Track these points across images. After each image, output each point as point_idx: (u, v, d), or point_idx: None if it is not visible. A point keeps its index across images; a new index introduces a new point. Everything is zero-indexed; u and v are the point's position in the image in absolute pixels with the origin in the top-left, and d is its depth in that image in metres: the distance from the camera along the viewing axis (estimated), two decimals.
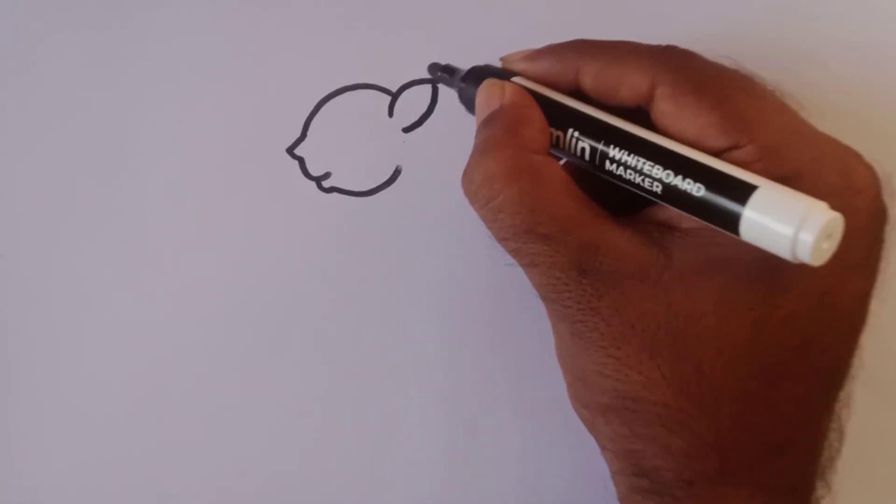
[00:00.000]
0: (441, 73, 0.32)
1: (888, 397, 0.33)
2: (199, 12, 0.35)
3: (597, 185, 0.26)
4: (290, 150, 0.35)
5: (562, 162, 0.28)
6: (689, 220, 0.24)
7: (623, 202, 0.26)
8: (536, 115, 0.26)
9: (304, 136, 0.35)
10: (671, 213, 0.25)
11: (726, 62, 0.25)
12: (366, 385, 0.34)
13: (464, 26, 0.35)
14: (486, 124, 0.27)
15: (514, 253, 0.26)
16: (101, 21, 0.36)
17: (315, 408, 0.34)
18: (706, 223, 0.23)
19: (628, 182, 0.25)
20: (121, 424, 0.34)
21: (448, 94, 0.35)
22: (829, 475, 0.26)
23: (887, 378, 0.33)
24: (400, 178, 0.35)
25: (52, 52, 0.36)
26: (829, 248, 0.21)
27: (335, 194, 0.35)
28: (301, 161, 0.35)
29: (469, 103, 0.30)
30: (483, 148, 0.26)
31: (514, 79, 0.28)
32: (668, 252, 0.24)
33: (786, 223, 0.21)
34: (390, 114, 0.35)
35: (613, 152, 0.25)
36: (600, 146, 0.25)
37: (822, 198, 0.21)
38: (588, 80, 0.26)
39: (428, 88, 0.35)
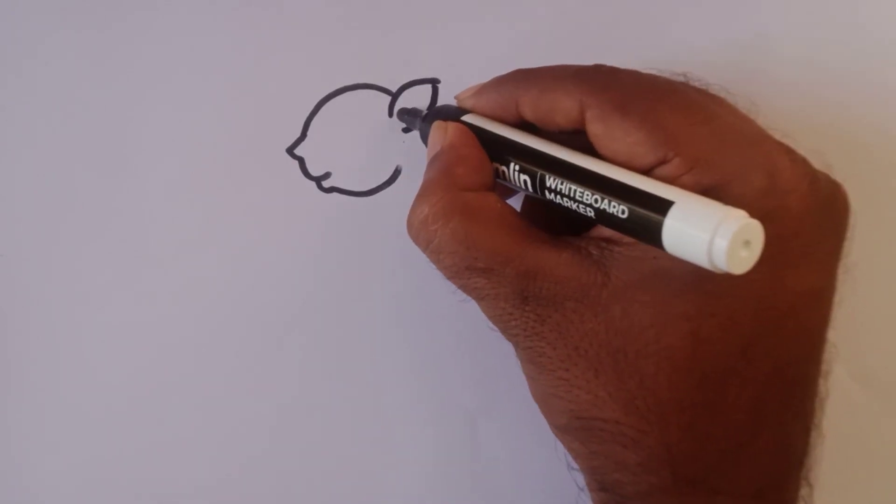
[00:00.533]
0: (406, 117, 0.34)
1: (889, 397, 0.33)
2: (198, 12, 0.35)
3: (550, 209, 0.27)
4: (290, 150, 0.35)
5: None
6: (626, 238, 0.25)
7: (576, 222, 0.27)
8: (473, 152, 0.28)
9: (304, 136, 0.35)
10: (611, 231, 0.25)
11: (676, 77, 0.26)
12: (365, 385, 0.34)
13: (464, 26, 0.35)
14: (427, 168, 0.28)
15: (463, 289, 0.27)
16: (100, 21, 0.36)
17: (314, 407, 0.34)
18: (635, 240, 0.24)
19: (567, 210, 0.26)
20: (121, 424, 0.34)
21: (448, 94, 0.35)
22: (809, 474, 0.26)
23: (887, 378, 0.33)
24: (400, 178, 0.35)
25: (52, 51, 0.36)
26: (749, 255, 0.21)
27: (335, 194, 0.35)
28: (301, 161, 0.35)
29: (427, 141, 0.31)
30: (420, 193, 0.27)
31: (467, 116, 0.29)
32: (606, 270, 0.24)
33: (701, 233, 0.21)
34: (390, 114, 0.35)
35: (550, 181, 0.26)
36: (538, 177, 0.26)
37: (750, 202, 0.22)
38: (527, 111, 0.27)
39: (428, 88, 0.35)
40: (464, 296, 0.27)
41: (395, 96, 0.35)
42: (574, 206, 0.25)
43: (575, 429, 0.25)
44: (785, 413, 0.25)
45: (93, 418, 0.34)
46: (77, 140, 0.36)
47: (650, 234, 0.23)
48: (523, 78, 0.28)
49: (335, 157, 0.35)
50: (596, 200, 0.24)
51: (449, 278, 0.27)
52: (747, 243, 0.21)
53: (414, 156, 0.35)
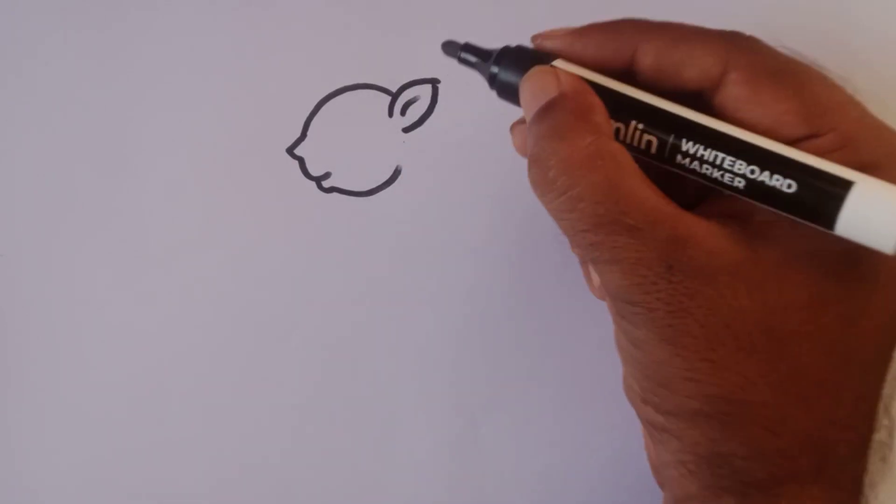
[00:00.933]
0: (463, 54, 0.28)
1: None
2: (199, 12, 0.35)
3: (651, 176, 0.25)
4: (290, 150, 0.35)
5: None
6: (763, 213, 0.23)
7: (678, 193, 0.25)
8: (600, 103, 0.24)
9: (304, 136, 0.35)
10: (741, 205, 0.24)
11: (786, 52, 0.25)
12: (366, 385, 0.34)
13: (464, 26, 0.35)
14: (546, 113, 0.24)
15: (593, 247, 0.23)
16: (100, 21, 0.36)
17: (314, 407, 0.34)
18: (794, 218, 0.22)
19: (703, 177, 0.23)
20: (121, 424, 0.34)
21: (448, 95, 0.35)
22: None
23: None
24: (400, 178, 0.35)
25: (52, 51, 0.36)
26: None
27: (335, 194, 0.35)
28: (301, 161, 0.35)
29: (505, 89, 0.27)
30: (556, 135, 0.24)
31: (559, 62, 0.26)
32: (755, 246, 0.23)
33: (889, 219, 0.21)
34: (390, 114, 0.35)
35: (687, 146, 0.23)
36: (671, 139, 0.24)
37: None
38: (647, 60, 0.25)
39: (428, 88, 0.35)
40: (571, 258, 0.25)
41: (395, 96, 0.35)
42: (717, 175, 0.23)
43: (709, 413, 0.23)
44: (877, 414, 0.24)
45: (93, 418, 0.34)
46: (77, 140, 0.36)
47: (820, 213, 0.21)
48: (645, 25, 0.25)
49: (335, 157, 0.35)
50: (752, 171, 0.22)
51: (578, 231, 0.23)
52: None
53: (414, 156, 0.35)
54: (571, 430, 0.33)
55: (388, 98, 0.35)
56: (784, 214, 0.23)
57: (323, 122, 0.35)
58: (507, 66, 0.26)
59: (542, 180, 0.24)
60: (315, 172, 0.35)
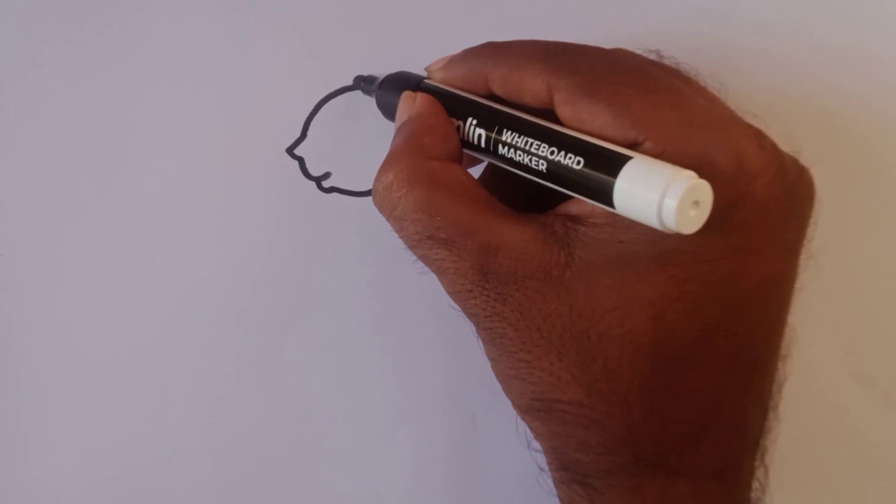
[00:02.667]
0: (362, 83, 0.34)
1: (889, 397, 0.33)
2: (199, 12, 0.35)
3: (514, 184, 0.27)
4: (290, 150, 0.35)
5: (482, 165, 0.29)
6: (597, 216, 0.25)
7: (542, 201, 0.27)
8: (441, 122, 0.27)
9: (304, 136, 0.35)
10: (582, 207, 0.25)
11: (650, 54, 0.26)
12: (366, 385, 0.34)
13: (464, 26, 0.35)
14: (394, 136, 0.28)
15: (423, 260, 0.26)
16: (100, 21, 0.36)
17: (314, 407, 0.34)
18: (584, 199, 0.24)
19: (518, 165, 0.25)
20: (121, 423, 0.34)
21: None
22: (765, 456, 0.26)
23: (887, 378, 0.33)
24: None
25: (53, 52, 0.36)
26: (697, 215, 0.22)
27: (335, 194, 0.35)
28: (301, 161, 0.35)
29: (385, 110, 0.31)
30: (385, 160, 0.27)
31: (429, 80, 0.30)
32: (571, 250, 0.24)
33: (651, 190, 0.21)
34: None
35: (505, 136, 0.26)
36: (493, 132, 0.26)
37: (717, 188, 0.22)
38: (496, 88, 0.27)
39: None
40: (424, 268, 0.27)
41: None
42: (527, 160, 0.25)
43: (536, 410, 0.25)
44: (744, 396, 0.25)
45: (93, 418, 0.34)
46: (77, 140, 0.36)
47: (601, 189, 0.23)
48: (493, 53, 0.27)
49: (335, 157, 0.35)
50: (552, 152, 0.24)
51: (410, 248, 0.26)
52: (696, 203, 0.21)
53: None
54: None
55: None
56: (575, 196, 0.24)
57: (323, 122, 0.35)
58: (386, 89, 0.31)
59: (375, 202, 0.27)
60: (315, 172, 0.35)
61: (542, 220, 0.25)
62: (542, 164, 0.24)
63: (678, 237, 0.22)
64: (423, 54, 0.35)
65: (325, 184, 0.35)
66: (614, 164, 0.23)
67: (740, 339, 0.24)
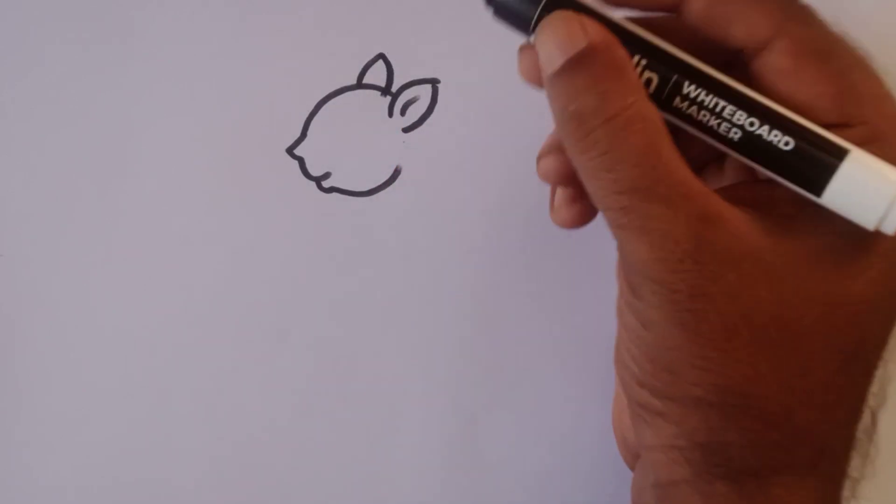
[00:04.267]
0: None
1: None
2: (199, 13, 0.35)
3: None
4: (290, 150, 0.35)
5: None
6: (783, 206, 0.23)
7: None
8: (629, 57, 0.23)
9: (304, 136, 0.35)
10: (761, 195, 0.23)
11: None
12: (366, 385, 0.34)
13: (464, 26, 0.35)
14: (580, 66, 0.23)
15: (624, 212, 0.22)
16: (101, 21, 0.36)
17: (314, 408, 0.34)
18: (782, 181, 0.22)
19: (699, 125, 0.23)
20: (121, 423, 0.34)
21: (448, 95, 0.35)
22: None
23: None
24: (400, 178, 0.35)
25: (54, 52, 0.36)
26: None
27: (335, 194, 0.35)
28: (301, 161, 0.35)
29: (513, 19, 0.25)
30: (597, 91, 0.22)
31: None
32: (780, 237, 0.23)
33: (876, 194, 0.20)
34: (390, 114, 0.35)
35: (689, 89, 0.22)
36: (673, 78, 0.23)
37: None
38: (698, 4, 0.23)
39: (428, 88, 0.35)
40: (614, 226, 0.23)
41: (395, 96, 0.35)
42: (714, 123, 0.22)
43: (713, 402, 0.23)
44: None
45: (93, 418, 0.34)
46: (77, 139, 0.35)
47: (814, 177, 0.21)
48: None
49: (335, 157, 0.35)
50: (752, 123, 0.22)
51: (612, 193, 0.22)
52: None
53: (414, 156, 0.35)
54: (571, 429, 0.33)
55: (388, 98, 0.35)
56: (773, 175, 0.22)
57: (323, 122, 0.35)
58: None
59: (581, 137, 0.23)
60: (315, 172, 0.35)
61: (751, 203, 0.23)
62: (736, 133, 0.22)
63: (874, 236, 0.22)
64: (423, 54, 0.35)
65: (325, 184, 0.35)
66: (831, 154, 0.21)
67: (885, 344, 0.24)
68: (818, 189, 0.22)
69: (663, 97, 0.23)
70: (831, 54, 0.23)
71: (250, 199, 0.35)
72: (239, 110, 0.35)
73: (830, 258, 0.23)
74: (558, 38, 0.23)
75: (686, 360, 0.22)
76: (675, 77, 0.23)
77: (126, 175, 0.35)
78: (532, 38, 0.24)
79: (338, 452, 0.34)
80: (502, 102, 0.34)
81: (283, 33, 0.35)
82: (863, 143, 0.22)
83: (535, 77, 0.25)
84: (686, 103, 0.23)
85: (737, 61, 0.24)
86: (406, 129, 0.35)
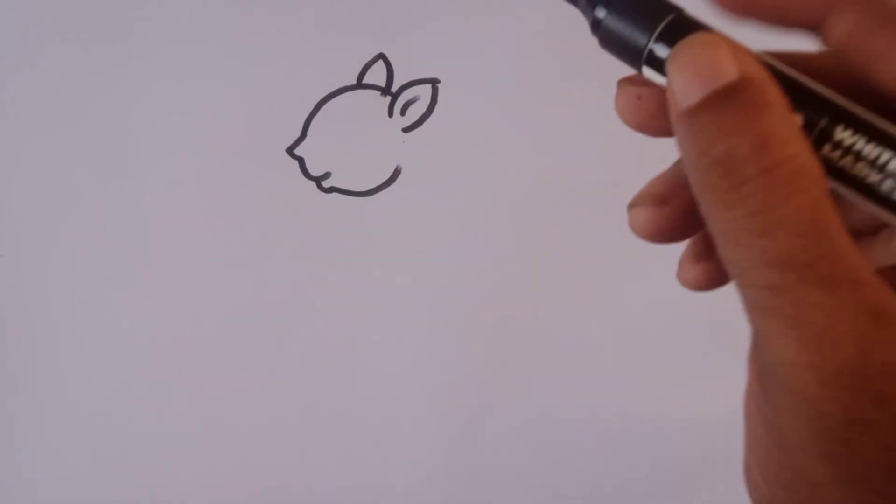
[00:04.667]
0: None
1: None
2: (199, 13, 0.35)
3: None
4: (290, 150, 0.35)
5: None
6: None
7: None
8: (786, 99, 0.18)
9: (304, 136, 0.35)
10: None
11: None
12: (366, 385, 0.34)
13: (464, 26, 0.35)
14: (729, 102, 0.18)
15: (773, 293, 0.17)
16: (101, 23, 0.36)
17: (315, 407, 0.34)
18: None
19: (854, 181, 0.18)
20: (120, 423, 0.34)
21: (448, 95, 0.35)
22: None
23: None
24: (400, 178, 0.35)
25: (54, 53, 0.36)
26: None
27: (335, 194, 0.35)
28: (301, 161, 0.35)
29: (614, 41, 0.21)
30: (756, 134, 0.18)
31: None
32: None
33: None
34: (390, 114, 0.35)
35: (843, 134, 0.18)
36: (823, 120, 0.18)
37: None
38: (836, 34, 0.19)
39: (428, 88, 0.35)
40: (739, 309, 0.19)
41: (395, 96, 0.35)
42: (874, 179, 0.18)
43: None
44: None
45: (93, 417, 0.34)
46: (78, 140, 0.36)
47: None
48: None
49: (335, 157, 0.35)
50: None
51: (760, 267, 0.17)
52: None
53: (414, 156, 0.35)
54: (571, 429, 0.33)
55: (388, 98, 0.35)
56: None
57: (323, 122, 0.35)
58: (618, 13, 0.20)
59: (729, 190, 0.18)
60: (315, 172, 0.35)
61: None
62: None
63: None
64: (423, 54, 0.35)
65: (325, 184, 0.35)
66: None
67: None
68: None
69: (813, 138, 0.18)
70: None
71: (250, 199, 0.35)
72: (239, 110, 0.35)
73: None
74: (702, 65, 0.19)
75: (831, 499, 0.18)
76: (825, 120, 0.18)
77: (126, 175, 0.35)
78: (644, 70, 0.20)
79: (338, 452, 0.34)
80: (502, 102, 0.34)
81: (283, 33, 0.35)
82: None
83: (640, 117, 0.21)
84: (838, 152, 0.18)
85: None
86: (406, 129, 0.35)
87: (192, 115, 0.35)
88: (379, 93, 0.35)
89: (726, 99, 0.18)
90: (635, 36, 0.20)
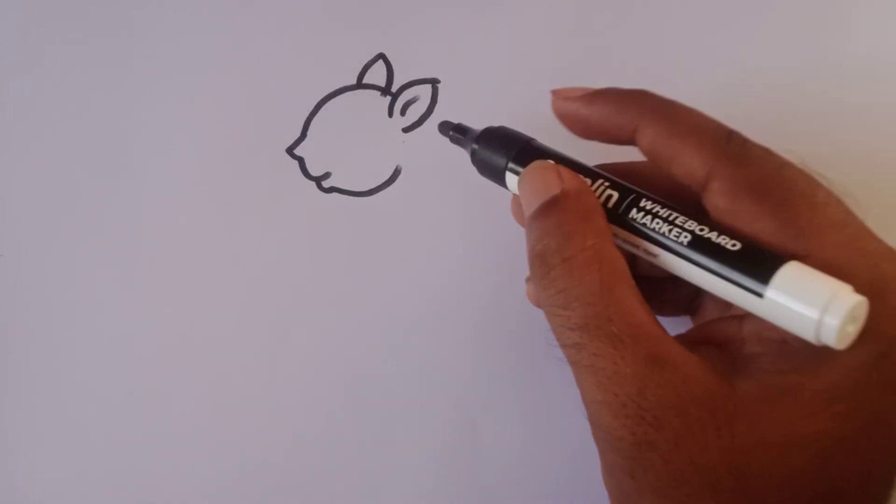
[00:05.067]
0: (452, 133, 0.31)
1: None
2: (199, 12, 0.35)
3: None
4: (290, 150, 0.35)
5: None
6: (750, 345, 0.23)
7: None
8: (598, 204, 0.25)
9: (304, 136, 0.35)
10: (729, 333, 0.24)
11: (792, 157, 0.24)
12: (366, 385, 0.34)
13: (464, 26, 0.35)
14: (550, 210, 0.25)
15: (576, 349, 0.23)
16: (101, 22, 0.36)
17: (315, 408, 0.34)
18: (726, 284, 0.22)
19: (647, 235, 0.24)
20: (120, 424, 0.34)
21: (448, 95, 0.35)
22: None
23: None
24: (400, 178, 0.35)
25: (54, 52, 0.36)
26: (852, 331, 0.21)
27: (335, 194, 0.35)
28: (301, 161, 0.35)
29: (484, 167, 0.29)
30: (561, 233, 0.24)
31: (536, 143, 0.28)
32: (732, 381, 0.22)
33: (812, 302, 0.21)
34: (390, 114, 0.35)
35: (645, 203, 0.24)
36: (630, 196, 0.25)
37: (881, 322, 0.21)
38: (643, 143, 0.25)
39: (428, 88, 0.35)
40: (561, 356, 0.24)
41: (395, 96, 0.35)
42: (665, 230, 0.23)
43: None
44: None
45: (92, 418, 0.34)
46: (77, 140, 0.36)
47: (751, 286, 0.22)
48: (654, 107, 0.25)
49: (335, 157, 0.35)
50: (702, 229, 0.23)
51: (567, 329, 0.23)
52: (854, 320, 0.21)
53: (414, 156, 0.35)
54: (571, 430, 0.33)
55: (388, 98, 0.35)
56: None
57: (323, 122, 0.35)
58: (485, 145, 0.28)
59: (543, 276, 0.24)
60: (315, 172, 0.35)
61: (702, 347, 0.24)
62: (686, 237, 0.23)
63: (841, 370, 0.21)
64: (423, 54, 0.35)
65: (325, 184, 0.35)
66: (771, 262, 0.21)
67: (888, 481, 0.22)
68: (756, 301, 0.22)
69: (621, 210, 0.25)
70: (765, 189, 0.23)
71: (250, 199, 0.35)
72: (239, 110, 0.35)
73: (790, 397, 0.22)
74: (536, 184, 0.26)
75: None
76: (633, 194, 0.25)
77: (126, 175, 0.35)
78: (507, 183, 0.28)
79: (337, 452, 0.34)
80: (502, 102, 0.34)
81: (284, 33, 0.35)
82: None
83: (521, 219, 0.26)
84: (641, 214, 0.24)
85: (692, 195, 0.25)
86: (406, 129, 0.35)
87: (193, 115, 0.35)
88: (379, 93, 0.35)
89: (550, 207, 0.25)
90: (497, 160, 0.28)
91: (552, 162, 0.26)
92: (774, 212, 0.22)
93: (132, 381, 0.34)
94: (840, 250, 0.22)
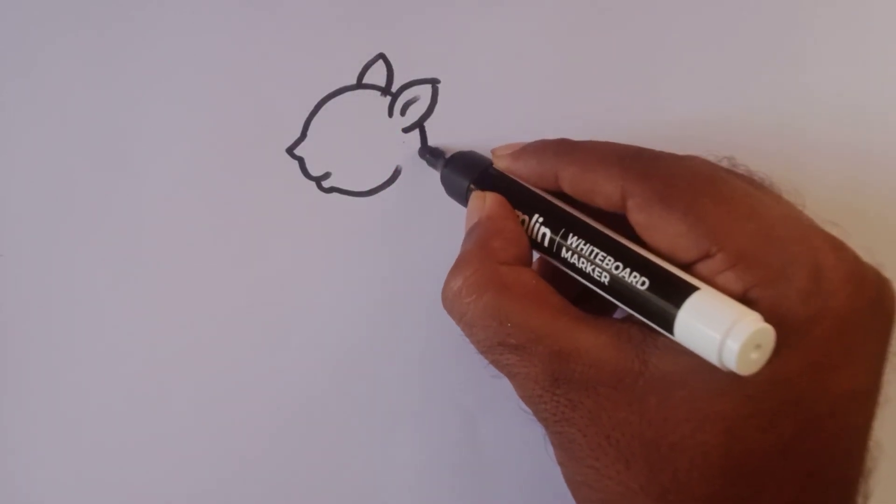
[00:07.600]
0: (427, 155, 0.33)
1: None
2: (199, 12, 0.35)
3: (567, 279, 0.27)
4: (290, 150, 0.35)
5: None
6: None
7: (588, 296, 0.27)
8: (510, 226, 0.27)
9: (304, 136, 0.35)
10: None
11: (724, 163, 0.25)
12: (365, 385, 0.34)
13: (464, 26, 0.35)
14: (465, 239, 0.28)
15: (494, 364, 0.26)
16: (100, 21, 0.36)
17: (314, 408, 0.34)
18: (643, 320, 0.24)
19: (580, 272, 0.25)
20: (120, 424, 0.34)
21: (448, 95, 0.35)
22: None
23: None
24: (400, 178, 0.35)
25: (52, 52, 0.36)
26: (758, 358, 0.22)
27: (335, 194, 0.35)
28: (301, 161, 0.35)
29: (448, 188, 0.32)
30: (455, 264, 0.27)
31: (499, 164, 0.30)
32: (645, 358, 0.24)
33: (714, 329, 0.21)
34: (390, 114, 0.35)
35: (570, 240, 0.26)
36: (559, 235, 0.26)
37: (793, 303, 0.22)
38: (566, 186, 0.27)
39: (428, 88, 0.35)
40: (495, 371, 0.26)
41: (395, 96, 0.35)
42: (590, 269, 0.25)
43: None
44: None
45: (92, 418, 0.34)
46: (77, 140, 0.35)
47: (662, 315, 0.23)
48: (566, 151, 0.27)
49: (335, 157, 0.35)
50: (616, 266, 0.24)
51: (481, 352, 0.26)
52: (758, 346, 0.21)
53: (414, 156, 0.35)
54: None
55: (388, 98, 0.35)
56: (637, 316, 0.24)
57: (323, 122, 0.35)
58: (452, 168, 0.31)
59: (445, 307, 0.27)
60: (315, 172, 0.35)
61: (618, 326, 0.25)
62: (606, 277, 0.25)
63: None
64: (423, 54, 0.35)
65: (325, 184, 0.35)
66: (679, 292, 0.23)
67: (819, 455, 0.23)
68: (669, 327, 0.23)
69: (554, 249, 0.27)
70: (673, 196, 0.24)
71: (250, 199, 0.35)
72: (239, 110, 0.35)
73: (701, 376, 0.23)
74: (471, 210, 0.29)
75: (573, 478, 0.25)
76: (561, 230, 0.26)
77: (126, 175, 0.35)
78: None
79: (338, 452, 0.34)
80: (502, 102, 0.34)
81: (283, 33, 0.35)
82: (725, 269, 0.23)
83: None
84: (570, 253, 0.26)
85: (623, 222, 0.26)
86: (406, 129, 0.35)
87: (192, 115, 0.35)
88: (379, 93, 0.35)
89: (467, 234, 0.28)
90: (461, 181, 0.31)
91: (481, 192, 0.29)
92: (685, 215, 0.24)
93: (132, 381, 0.34)
94: (749, 240, 0.23)
